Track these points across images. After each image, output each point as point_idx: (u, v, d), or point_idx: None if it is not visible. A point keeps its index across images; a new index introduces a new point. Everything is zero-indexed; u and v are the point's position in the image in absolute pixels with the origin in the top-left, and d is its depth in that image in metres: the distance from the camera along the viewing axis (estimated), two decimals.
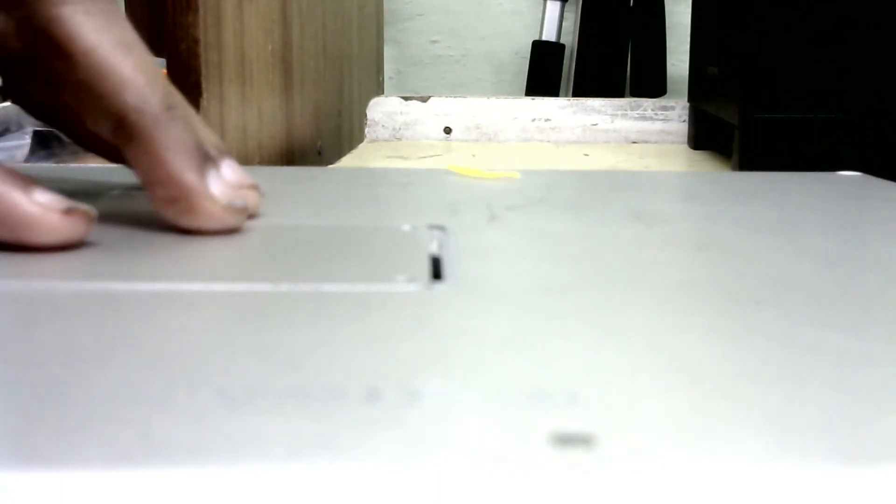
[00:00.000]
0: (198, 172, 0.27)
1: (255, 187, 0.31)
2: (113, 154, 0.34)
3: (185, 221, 0.27)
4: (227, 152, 0.31)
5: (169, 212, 0.28)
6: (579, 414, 0.15)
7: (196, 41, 0.51)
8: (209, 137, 0.31)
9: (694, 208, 0.36)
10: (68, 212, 0.25)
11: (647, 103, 0.90)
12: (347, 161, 0.79)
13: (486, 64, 1.53)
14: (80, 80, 0.27)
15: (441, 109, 0.90)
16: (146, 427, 0.14)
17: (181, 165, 0.27)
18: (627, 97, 1.17)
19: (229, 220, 0.28)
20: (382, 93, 1.21)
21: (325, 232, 0.29)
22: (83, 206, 0.25)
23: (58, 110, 0.34)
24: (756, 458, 0.13)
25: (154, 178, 0.27)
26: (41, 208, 0.25)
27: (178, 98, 0.30)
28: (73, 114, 0.34)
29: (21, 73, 0.31)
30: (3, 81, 0.33)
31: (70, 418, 0.14)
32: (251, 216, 0.30)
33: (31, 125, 0.56)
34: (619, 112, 0.89)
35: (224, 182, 0.28)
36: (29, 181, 0.25)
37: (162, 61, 0.49)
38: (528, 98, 0.91)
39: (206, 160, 0.28)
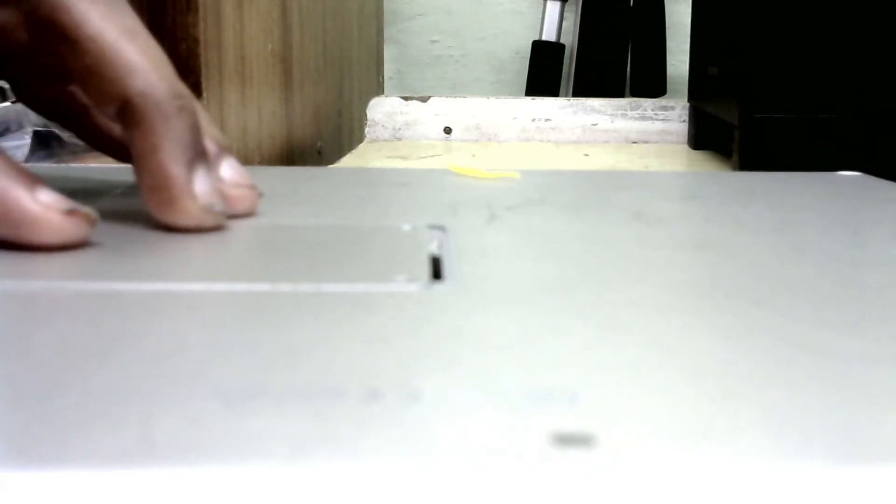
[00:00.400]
0: (186, 167, 0.27)
1: (252, 188, 0.31)
2: (118, 151, 0.34)
3: (162, 214, 0.28)
4: (230, 149, 0.31)
5: (150, 200, 0.28)
6: (579, 414, 0.15)
7: (196, 41, 0.51)
8: (213, 133, 0.31)
9: (694, 208, 0.36)
10: (70, 213, 0.25)
11: (647, 103, 0.90)
12: (347, 161, 0.79)
13: (486, 64, 1.53)
14: (86, 66, 0.27)
15: (441, 109, 0.90)
16: (146, 427, 0.14)
17: (171, 157, 0.27)
18: (627, 97, 1.17)
19: (204, 221, 0.28)
20: (382, 93, 1.21)
21: (325, 232, 0.29)
22: (85, 209, 0.25)
23: (65, 106, 0.34)
24: (756, 457, 0.13)
25: (144, 165, 0.27)
26: (43, 208, 0.25)
27: (185, 88, 0.30)
28: (81, 108, 0.34)
29: (28, 66, 0.31)
30: (11, 76, 0.33)
31: (70, 418, 0.14)
32: (247, 216, 0.30)
33: (30, 125, 0.56)
34: (619, 112, 0.89)
35: (213, 182, 0.28)
36: (33, 179, 0.25)
37: None
38: (528, 98, 0.91)
39: (199, 157, 0.28)
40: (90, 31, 0.27)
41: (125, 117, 0.27)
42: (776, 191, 0.39)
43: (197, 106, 0.31)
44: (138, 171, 0.28)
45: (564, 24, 1.41)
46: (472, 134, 0.89)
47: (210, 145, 0.30)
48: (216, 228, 0.28)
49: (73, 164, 0.50)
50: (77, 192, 0.29)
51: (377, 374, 0.16)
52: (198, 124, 0.28)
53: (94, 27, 0.27)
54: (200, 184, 0.28)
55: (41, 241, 0.25)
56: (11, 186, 0.25)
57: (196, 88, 0.50)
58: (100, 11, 0.27)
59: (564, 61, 1.40)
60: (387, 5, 1.33)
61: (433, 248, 0.27)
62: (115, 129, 0.34)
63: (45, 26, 0.28)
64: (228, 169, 0.31)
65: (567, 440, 0.13)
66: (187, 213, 0.27)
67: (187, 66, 0.50)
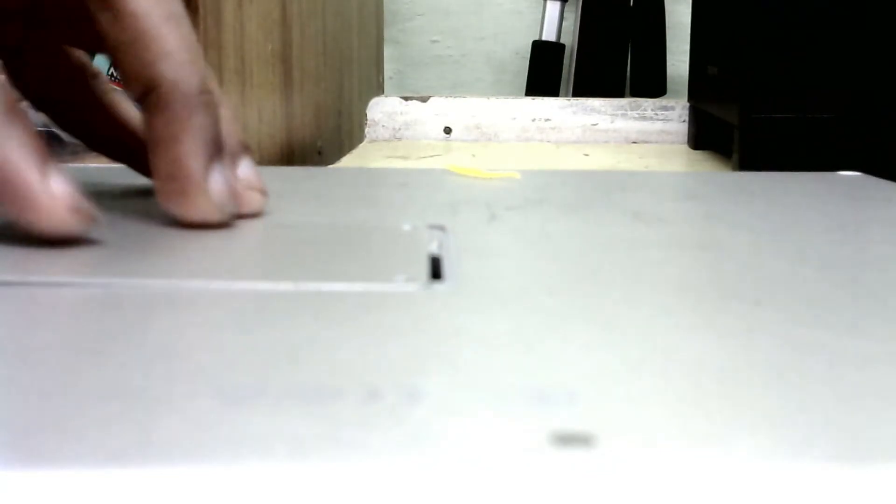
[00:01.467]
0: (204, 163, 0.27)
1: (263, 191, 0.31)
2: (117, 151, 0.34)
3: (171, 204, 0.28)
4: (249, 150, 0.31)
5: (162, 189, 0.28)
6: (579, 414, 0.15)
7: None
8: (236, 131, 0.31)
9: (694, 208, 0.36)
10: (75, 210, 0.25)
11: (647, 103, 0.90)
12: (347, 161, 0.79)
13: (486, 64, 1.53)
14: (122, 42, 0.27)
15: (441, 109, 0.90)
16: (146, 426, 0.14)
17: (191, 150, 0.27)
18: (627, 97, 1.17)
19: (214, 217, 0.28)
20: (382, 93, 1.21)
21: (325, 231, 0.29)
22: (91, 210, 0.25)
23: (63, 93, 0.34)
24: (756, 457, 0.13)
25: (162, 152, 0.27)
26: (51, 198, 0.25)
27: (214, 84, 0.30)
28: (80, 100, 0.34)
29: (55, 28, 0.30)
30: (34, 50, 0.33)
31: (70, 417, 0.14)
32: (254, 216, 0.30)
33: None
34: (619, 112, 0.89)
35: (227, 180, 0.28)
36: (49, 162, 0.25)
37: None
38: (528, 98, 0.91)
39: (217, 154, 0.28)
40: (136, 8, 0.27)
41: (150, 102, 0.27)
42: (776, 191, 0.39)
43: (224, 102, 0.31)
44: (154, 157, 0.27)
45: (564, 24, 1.41)
46: (472, 134, 0.89)
47: (232, 142, 0.30)
48: (220, 226, 0.28)
49: (73, 164, 0.50)
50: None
51: (377, 374, 0.16)
52: (219, 121, 0.28)
53: (141, 5, 0.27)
54: (215, 181, 0.28)
55: (41, 230, 0.25)
56: (26, 167, 0.24)
57: None
58: None
59: (564, 61, 1.40)
60: (387, 5, 1.33)
61: (433, 248, 0.27)
62: (117, 126, 0.33)
63: None
64: (245, 169, 0.31)
65: (567, 440, 0.13)
66: (197, 208, 0.27)
67: None
